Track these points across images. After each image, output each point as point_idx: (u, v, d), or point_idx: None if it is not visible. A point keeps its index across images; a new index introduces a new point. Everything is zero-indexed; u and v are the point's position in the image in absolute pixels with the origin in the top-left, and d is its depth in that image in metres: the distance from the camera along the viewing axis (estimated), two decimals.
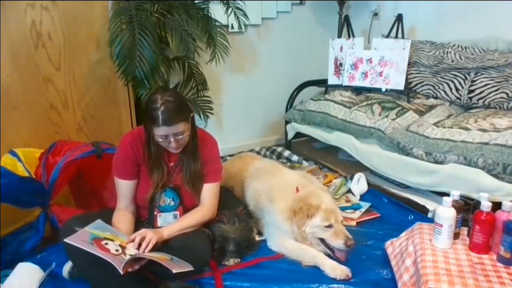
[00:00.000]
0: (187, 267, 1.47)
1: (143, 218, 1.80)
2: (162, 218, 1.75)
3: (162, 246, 1.59)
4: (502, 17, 2.53)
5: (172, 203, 1.76)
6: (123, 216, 1.71)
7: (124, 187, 1.72)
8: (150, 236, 1.53)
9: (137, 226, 1.72)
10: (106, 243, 1.46)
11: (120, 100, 2.52)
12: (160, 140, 1.61)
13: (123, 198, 1.73)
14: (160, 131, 1.57)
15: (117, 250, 1.45)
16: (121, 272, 1.34)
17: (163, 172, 1.72)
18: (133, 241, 1.52)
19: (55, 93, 2.30)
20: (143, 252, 1.50)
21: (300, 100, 3.05)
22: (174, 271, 1.40)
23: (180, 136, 1.61)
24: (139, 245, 1.52)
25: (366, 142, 2.47)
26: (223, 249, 1.81)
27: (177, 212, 1.76)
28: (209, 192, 1.78)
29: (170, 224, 1.72)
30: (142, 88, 2.32)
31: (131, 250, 1.49)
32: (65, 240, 1.40)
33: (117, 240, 1.51)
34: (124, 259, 1.41)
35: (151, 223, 1.76)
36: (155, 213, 1.75)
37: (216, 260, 1.80)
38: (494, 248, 1.48)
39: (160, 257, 1.46)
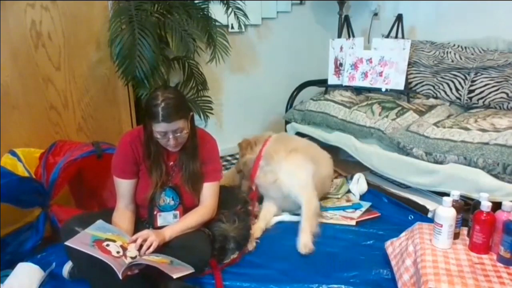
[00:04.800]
0: (187, 270, 1.47)
1: (143, 218, 1.79)
2: (162, 218, 1.75)
3: (162, 246, 1.59)
4: (502, 17, 2.53)
5: (172, 202, 1.76)
6: (123, 215, 1.71)
7: (123, 186, 1.72)
8: (151, 239, 1.53)
9: (137, 226, 1.73)
10: (108, 245, 1.45)
11: (120, 100, 2.52)
12: (159, 137, 1.61)
13: (123, 197, 1.73)
14: (159, 127, 1.58)
15: (118, 252, 1.44)
16: (120, 277, 1.34)
17: (162, 172, 1.72)
18: (134, 241, 1.52)
19: (55, 93, 2.30)
20: (144, 254, 1.50)
21: (300, 100, 3.05)
22: (175, 276, 1.39)
23: (179, 134, 1.61)
24: (141, 246, 1.52)
25: (366, 142, 2.47)
26: (224, 248, 1.81)
27: (177, 212, 1.76)
28: (209, 191, 1.79)
29: (170, 223, 1.73)
30: (142, 88, 2.32)
31: (132, 252, 1.49)
32: (66, 243, 1.40)
33: (119, 241, 1.51)
34: (125, 262, 1.41)
35: (151, 223, 1.76)
36: (155, 212, 1.75)
37: (217, 259, 1.80)
38: (494, 248, 1.48)
39: (160, 261, 1.46)
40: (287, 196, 2.14)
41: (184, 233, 1.67)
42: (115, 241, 1.49)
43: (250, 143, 2.33)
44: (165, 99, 1.56)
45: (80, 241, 1.42)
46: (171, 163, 1.76)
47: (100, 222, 1.57)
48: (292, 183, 2.10)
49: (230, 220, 1.85)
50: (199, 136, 1.77)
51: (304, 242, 1.92)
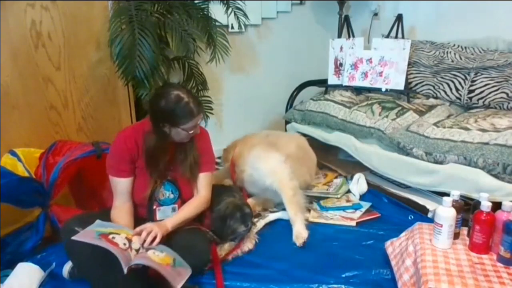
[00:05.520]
0: (187, 273, 1.48)
1: (143, 217, 1.79)
2: (161, 212, 1.76)
3: (166, 239, 1.60)
4: (502, 17, 2.53)
5: (172, 196, 1.77)
6: (121, 210, 1.71)
7: (120, 185, 1.71)
8: (155, 231, 1.54)
9: (136, 225, 1.72)
10: (113, 237, 1.45)
11: (120, 100, 2.52)
12: (189, 132, 1.65)
13: (120, 196, 1.72)
14: (193, 123, 1.64)
15: (124, 244, 1.45)
16: (125, 271, 1.34)
17: (161, 169, 1.73)
18: (139, 234, 1.53)
19: (55, 93, 2.30)
20: (149, 245, 1.51)
21: (300, 100, 3.05)
22: (178, 286, 1.40)
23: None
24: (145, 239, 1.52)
25: (366, 142, 2.47)
26: (244, 214, 1.89)
27: (176, 206, 1.78)
28: (204, 181, 1.82)
29: (168, 217, 1.73)
30: (142, 88, 2.31)
31: (136, 244, 1.49)
32: (72, 238, 1.41)
33: (123, 233, 1.51)
34: (131, 257, 1.41)
35: (150, 219, 1.76)
36: (154, 207, 1.76)
37: (244, 226, 1.89)
38: (494, 248, 1.48)
39: (164, 260, 1.46)
40: (264, 188, 2.21)
41: (184, 233, 1.68)
42: (119, 233, 1.49)
43: (226, 153, 2.47)
44: (189, 94, 1.63)
45: (86, 236, 1.43)
46: (168, 158, 1.77)
47: (98, 221, 1.56)
48: (260, 175, 2.18)
49: (235, 195, 1.98)
50: None
51: (296, 233, 1.99)
